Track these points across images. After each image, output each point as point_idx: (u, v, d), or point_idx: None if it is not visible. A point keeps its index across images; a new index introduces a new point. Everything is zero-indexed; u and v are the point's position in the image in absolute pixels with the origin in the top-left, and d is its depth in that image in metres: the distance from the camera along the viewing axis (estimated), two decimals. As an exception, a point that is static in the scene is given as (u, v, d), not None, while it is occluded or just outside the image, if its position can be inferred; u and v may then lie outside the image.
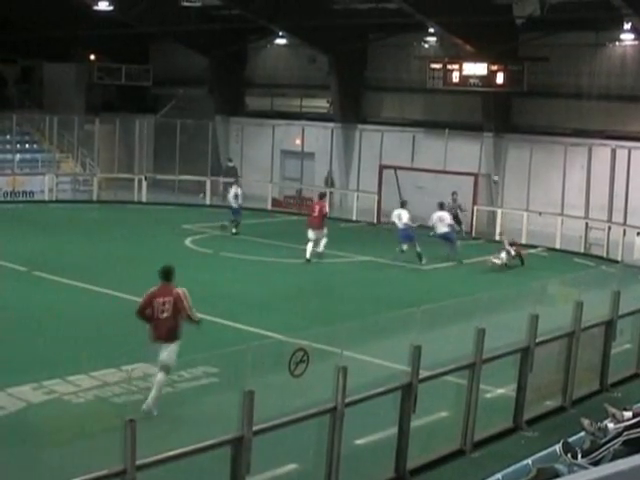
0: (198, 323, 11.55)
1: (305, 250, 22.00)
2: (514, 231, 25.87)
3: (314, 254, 22.08)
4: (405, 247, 22.50)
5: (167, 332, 11.23)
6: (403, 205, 23.76)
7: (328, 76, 33.72)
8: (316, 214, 22.67)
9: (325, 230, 22.45)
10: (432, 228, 23.30)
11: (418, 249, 22.33)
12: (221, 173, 34.46)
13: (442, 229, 23.14)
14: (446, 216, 23.41)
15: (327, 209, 23.71)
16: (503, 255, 22.45)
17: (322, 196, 24.64)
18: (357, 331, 10.04)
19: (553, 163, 27.52)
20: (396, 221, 23.04)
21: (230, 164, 35.11)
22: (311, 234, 22.26)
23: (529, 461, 7.78)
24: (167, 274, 11.57)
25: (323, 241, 22.34)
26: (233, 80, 36.97)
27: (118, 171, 34.14)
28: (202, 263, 22.19)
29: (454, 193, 27.16)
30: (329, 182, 32.52)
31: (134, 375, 11.50)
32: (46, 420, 10.67)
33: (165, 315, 11.26)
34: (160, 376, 11.09)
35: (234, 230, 26.11)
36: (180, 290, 11.43)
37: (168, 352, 11.17)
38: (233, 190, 26.69)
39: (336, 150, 33.17)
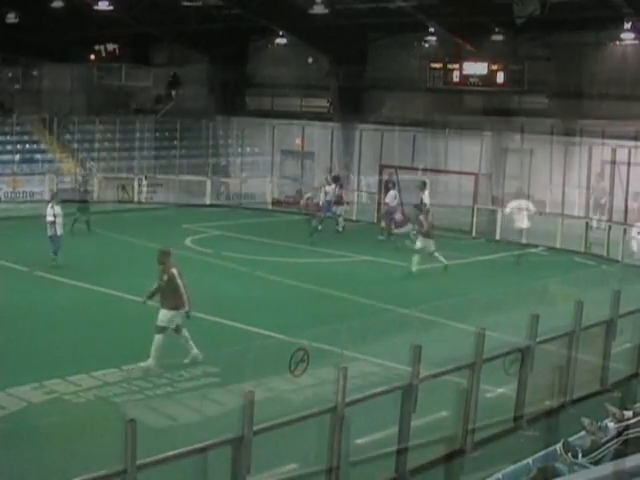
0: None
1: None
2: (514, 230, 25.82)
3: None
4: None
5: None
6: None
7: (328, 76, 33.72)
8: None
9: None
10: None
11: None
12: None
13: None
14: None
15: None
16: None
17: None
18: (357, 331, 10.03)
19: (553, 162, 27.49)
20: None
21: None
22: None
23: (529, 460, 7.78)
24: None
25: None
26: (233, 80, 36.96)
27: (118, 171, 34.12)
28: (202, 263, 22.17)
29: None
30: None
31: (134, 375, 11.51)
32: (46, 420, 10.67)
33: None
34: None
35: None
36: None
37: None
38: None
39: (336, 150, 33.12)
